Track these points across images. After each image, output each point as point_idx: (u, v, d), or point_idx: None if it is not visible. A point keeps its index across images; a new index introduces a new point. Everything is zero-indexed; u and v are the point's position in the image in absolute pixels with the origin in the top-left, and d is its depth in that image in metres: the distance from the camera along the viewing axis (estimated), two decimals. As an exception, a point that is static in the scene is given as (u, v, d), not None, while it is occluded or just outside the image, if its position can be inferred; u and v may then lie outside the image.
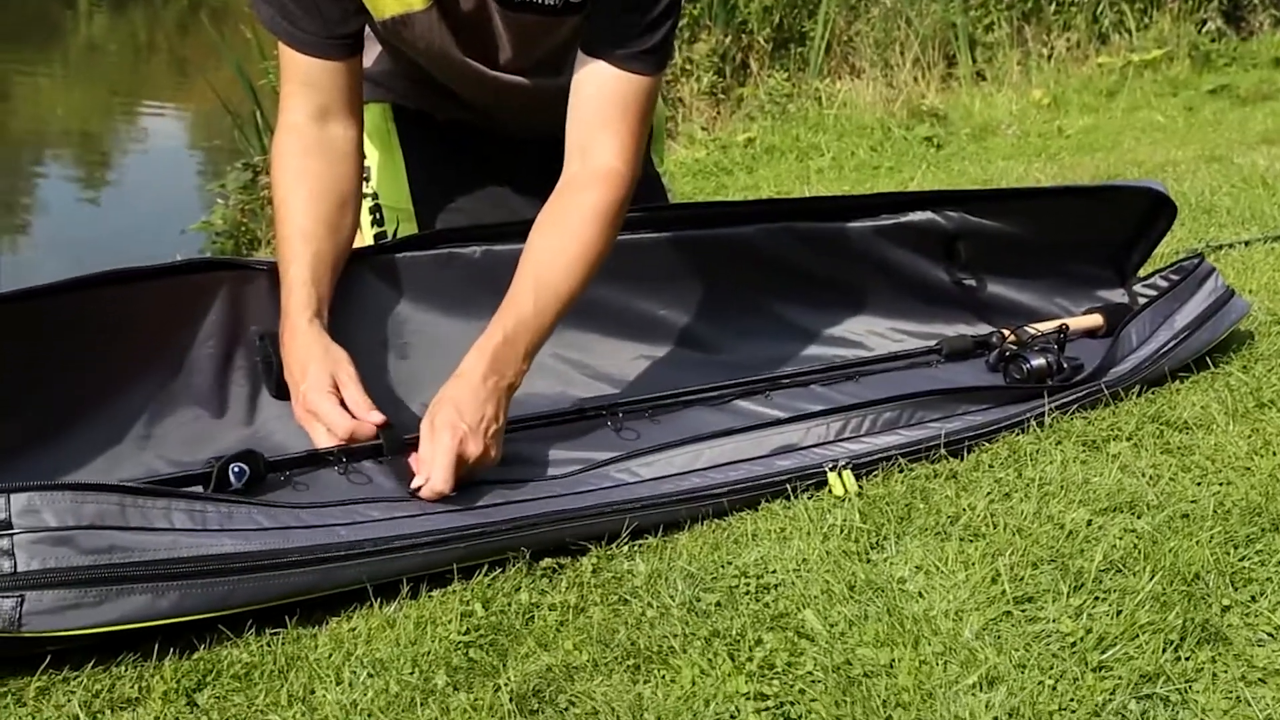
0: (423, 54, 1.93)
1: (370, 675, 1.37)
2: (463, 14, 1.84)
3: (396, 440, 1.66)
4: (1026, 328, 2.15)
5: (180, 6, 15.58)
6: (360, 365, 1.73)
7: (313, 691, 1.34)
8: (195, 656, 1.40)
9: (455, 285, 1.92)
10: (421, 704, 1.32)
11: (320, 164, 1.81)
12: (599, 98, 1.78)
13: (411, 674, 1.37)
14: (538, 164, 1.97)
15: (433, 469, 1.58)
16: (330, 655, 1.41)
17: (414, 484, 1.58)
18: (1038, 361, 2.03)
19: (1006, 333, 2.13)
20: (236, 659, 1.39)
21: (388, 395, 1.82)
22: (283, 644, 1.43)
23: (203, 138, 8.47)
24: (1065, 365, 2.03)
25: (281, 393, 1.76)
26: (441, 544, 1.54)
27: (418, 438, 1.62)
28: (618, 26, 1.76)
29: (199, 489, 1.53)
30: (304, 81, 1.81)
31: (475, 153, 2.16)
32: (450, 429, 1.59)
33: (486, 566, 1.58)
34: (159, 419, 1.76)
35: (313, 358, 1.69)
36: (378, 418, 1.67)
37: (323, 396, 1.67)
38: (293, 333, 1.71)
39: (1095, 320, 2.24)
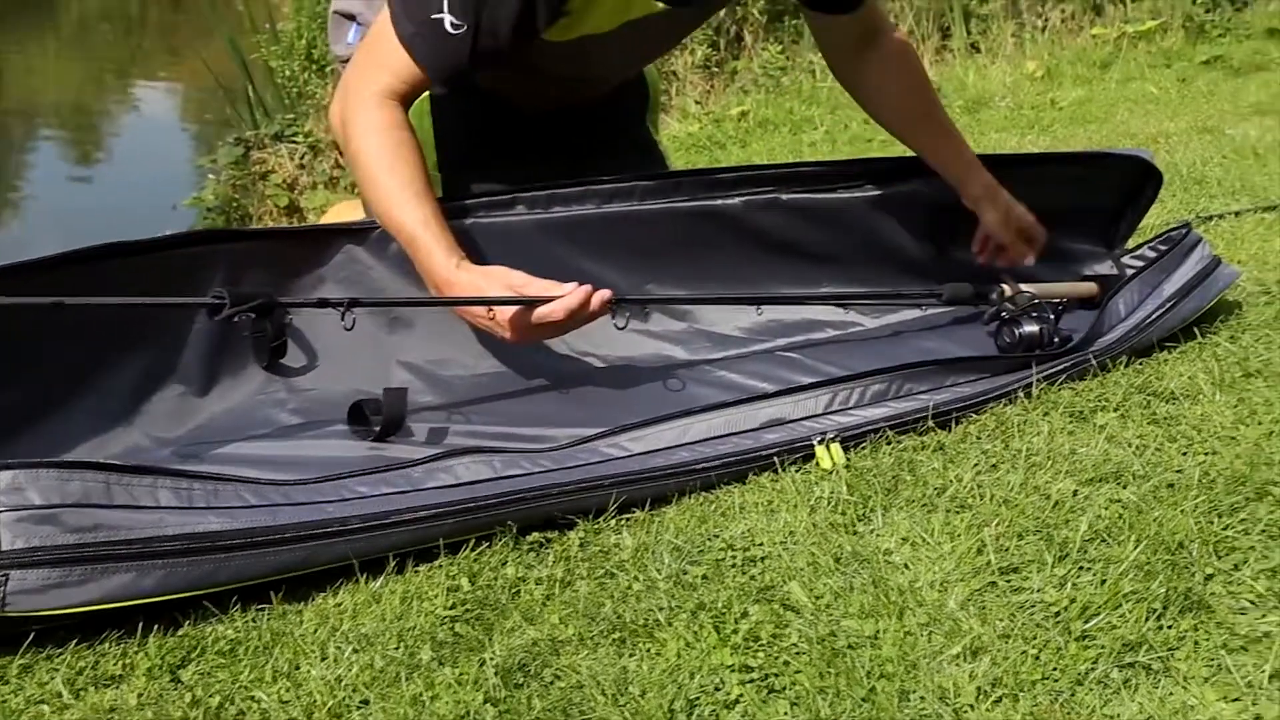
0: (555, 75, 1.98)
1: (355, 650, 1.37)
2: (664, 25, 1.92)
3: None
4: (1026, 288, 2.14)
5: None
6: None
7: (297, 667, 1.35)
8: (180, 633, 1.41)
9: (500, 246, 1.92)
10: (406, 679, 1.32)
11: (412, 136, 1.80)
12: (848, 38, 2.12)
13: (397, 649, 1.38)
14: (570, 133, 2.18)
15: None
16: (315, 631, 1.41)
17: None
18: (1030, 329, 2.03)
19: (1006, 289, 2.12)
20: (221, 635, 1.40)
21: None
22: (268, 620, 1.44)
23: (195, 113, 8.45)
24: (1056, 337, 2.03)
25: (272, 364, 1.76)
26: (429, 520, 1.55)
27: None
28: None
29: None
30: (402, 80, 1.79)
31: (506, 122, 2.17)
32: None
33: (473, 541, 1.59)
34: (147, 395, 1.76)
35: (487, 275, 1.72)
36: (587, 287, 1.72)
37: (529, 281, 1.71)
38: (449, 281, 1.72)
39: (1091, 288, 2.24)
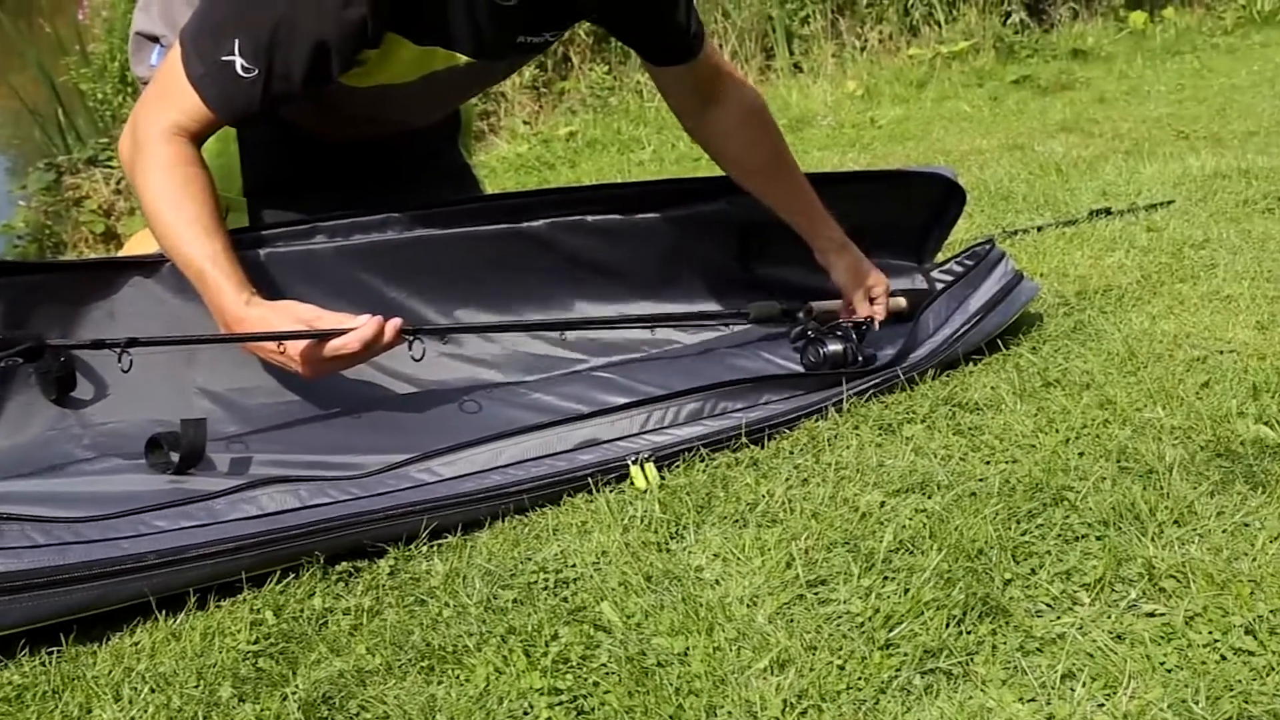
0: (356, 115, 1.96)
1: (152, 690, 1.33)
2: (471, 73, 1.90)
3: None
4: (829, 305, 2.18)
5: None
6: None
7: (89, 710, 1.30)
8: (-39, 680, 1.34)
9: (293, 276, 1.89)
10: (204, 718, 1.28)
11: (202, 172, 1.75)
12: (688, 88, 2.10)
13: (196, 687, 1.34)
14: (380, 160, 2.17)
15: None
16: (110, 672, 1.36)
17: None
18: (834, 348, 2.06)
19: (813, 307, 2.16)
20: (6, 680, 1.34)
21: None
22: (59, 663, 1.38)
23: (4, 139, 8.14)
24: (860, 356, 2.07)
25: (61, 399, 1.70)
26: (231, 553, 1.51)
27: None
28: (663, 42, 2.03)
29: None
30: (192, 118, 1.73)
31: (314, 150, 2.13)
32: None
33: (279, 573, 1.55)
34: None
35: (276, 310, 1.69)
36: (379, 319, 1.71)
37: (320, 314, 1.70)
38: (239, 318, 1.68)
39: (899, 303, 2.29)
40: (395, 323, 1.71)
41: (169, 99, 1.73)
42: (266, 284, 1.80)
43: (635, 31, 2.05)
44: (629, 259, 2.17)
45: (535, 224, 2.10)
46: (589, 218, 2.14)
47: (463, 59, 1.86)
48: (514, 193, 2.31)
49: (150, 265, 1.82)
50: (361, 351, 1.69)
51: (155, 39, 2.17)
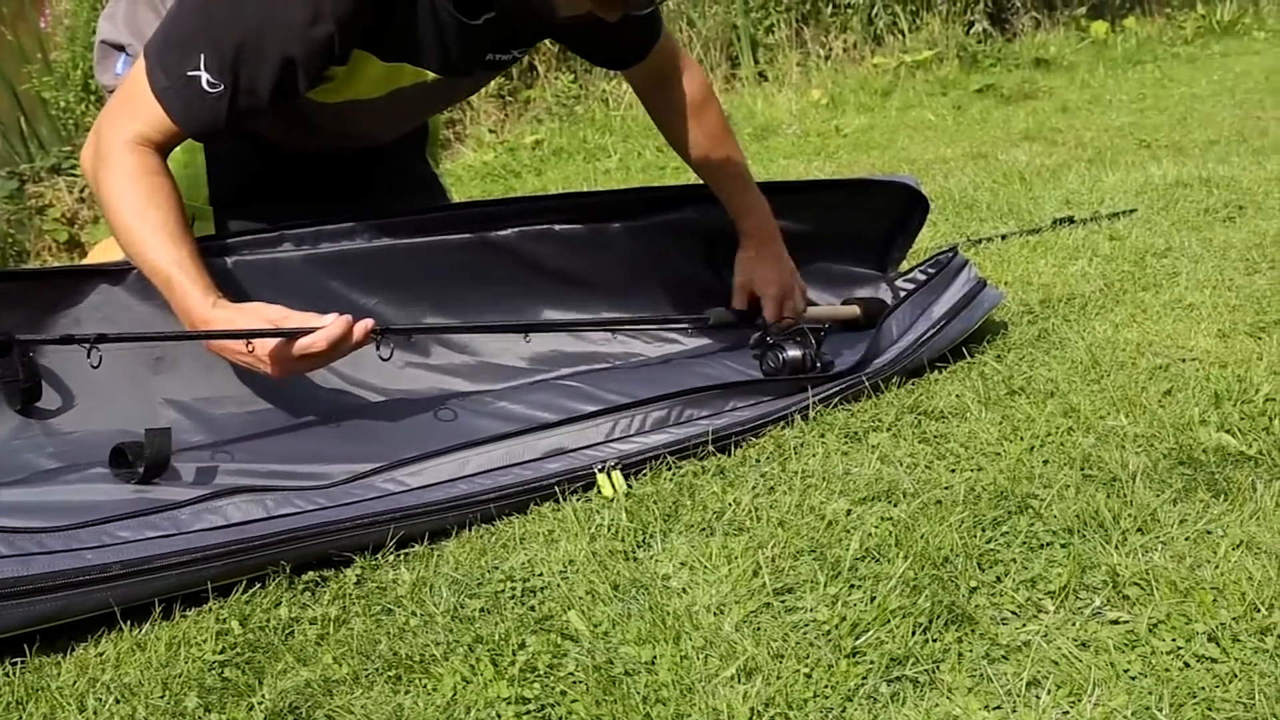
0: (324, 128, 1.95)
1: (117, 701, 1.32)
2: (437, 90, 1.91)
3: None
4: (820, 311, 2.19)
5: (-58, 7, 14.80)
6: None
7: (53, 722, 1.29)
8: (-78, 693, 1.33)
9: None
10: (169, 729, 1.28)
11: (167, 181, 1.73)
12: (646, 75, 2.16)
13: (161, 697, 1.33)
14: (347, 170, 2.17)
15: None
16: (74, 683, 1.36)
17: None
18: (793, 353, 2.07)
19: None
20: (-31, 692, 1.33)
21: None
22: (22, 674, 1.37)
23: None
24: (819, 362, 2.08)
25: (25, 408, 1.69)
26: (197, 563, 1.50)
27: None
28: (623, 52, 2.10)
29: None
30: (156, 130, 1.72)
31: (280, 161, 2.12)
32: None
33: (245, 582, 1.54)
34: None
35: (243, 310, 1.69)
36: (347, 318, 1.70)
37: (288, 314, 1.70)
38: (206, 320, 1.67)
39: (852, 311, 2.30)
40: (365, 323, 1.71)
41: (132, 110, 1.72)
42: (234, 291, 1.79)
43: (597, 48, 2.09)
44: (595, 267, 2.18)
45: (503, 232, 2.10)
46: (556, 226, 2.14)
47: (430, 75, 1.86)
48: (481, 200, 2.30)
49: (117, 272, 1.81)
50: (329, 350, 1.68)
51: (121, 47, 2.16)
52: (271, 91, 1.70)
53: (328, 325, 1.66)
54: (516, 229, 2.11)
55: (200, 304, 1.66)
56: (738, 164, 2.22)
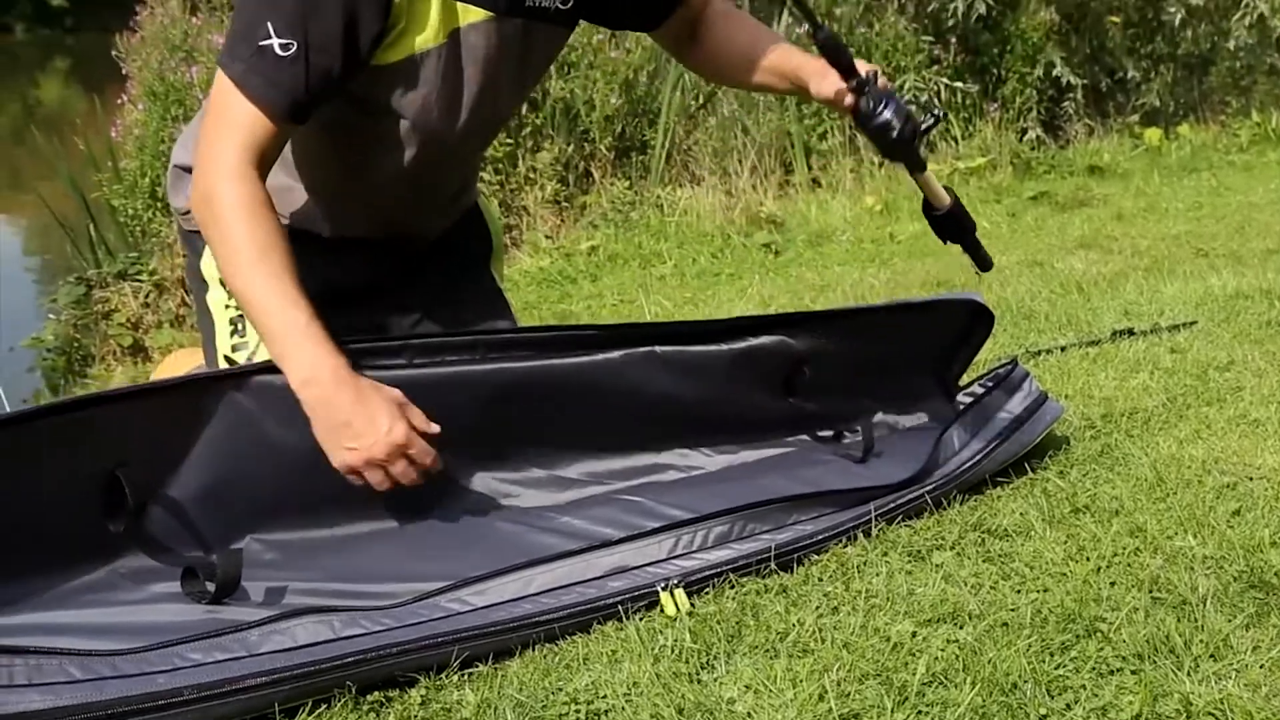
0: (406, 111, 1.94)
1: (185, 826, 1.32)
2: (493, 43, 1.92)
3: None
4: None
5: (13, 114, 15.26)
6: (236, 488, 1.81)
7: None
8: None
9: None
10: None
11: (277, 221, 1.79)
12: (677, 28, 2.22)
13: (229, 823, 1.33)
14: (416, 280, 2.24)
15: None
16: (144, 807, 1.36)
17: None
18: (887, 116, 2.05)
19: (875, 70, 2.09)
20: (41, 816, 1.34)
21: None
22: (93, 797, 1.38)
23: (38, 250, 8.26)
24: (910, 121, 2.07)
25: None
26: (266, 686, 1.50)
27: None
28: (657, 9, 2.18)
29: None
30: (252, 132, 1.77)
31: (353, 269, 2.15)
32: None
33: (311, 704, 1.55)
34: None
35: (383, 395, 1.80)
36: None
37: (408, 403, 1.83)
38: (340, 382, 1.76)
39: (944, 196, 2.43)
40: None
41: (224, 122, 1.77)
42: None
43: (631, 13, 2.18)
44: (687, 392, 2.16)
45: (612, 355, 2.09)
46: (658, 349, 2.12)
47: (483, 13, 1.88)
48: (577, 326, 2.31)
49: (239, 376, 1.82)
50: (432, 465, 1.83)
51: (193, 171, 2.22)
52: (343, 45, 1.75)
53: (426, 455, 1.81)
54: (625, 352, 2.10)
55: (338, 363, 1.78)
56: (787, 43, 2.21)
